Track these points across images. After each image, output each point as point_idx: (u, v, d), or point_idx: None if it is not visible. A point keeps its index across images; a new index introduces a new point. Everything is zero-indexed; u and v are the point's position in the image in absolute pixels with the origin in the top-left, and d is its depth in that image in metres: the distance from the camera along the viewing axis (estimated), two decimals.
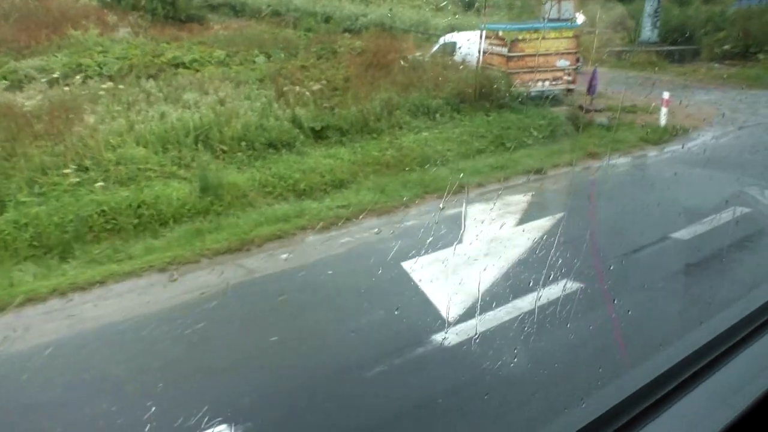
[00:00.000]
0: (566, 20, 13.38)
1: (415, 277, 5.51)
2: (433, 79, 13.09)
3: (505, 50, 13.23)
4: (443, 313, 4.77)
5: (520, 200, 7.74)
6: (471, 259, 5.91)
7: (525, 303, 4.98)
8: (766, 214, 7.41)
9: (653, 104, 14.83)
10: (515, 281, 5.24)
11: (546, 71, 13.29)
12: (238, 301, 5.13)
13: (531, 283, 5.28)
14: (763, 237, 7.07)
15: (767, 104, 14.82)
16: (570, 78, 13.50)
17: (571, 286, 5.25)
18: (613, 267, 5.68)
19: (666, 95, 12.32)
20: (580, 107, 13.64)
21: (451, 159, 10.63)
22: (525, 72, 13.22)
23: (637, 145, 11.11)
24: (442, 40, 16.00)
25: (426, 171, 9.38)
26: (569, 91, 13.59)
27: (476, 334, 4.42)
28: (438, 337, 4.46)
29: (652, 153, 10.66)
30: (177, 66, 14.12)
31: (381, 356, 4.46)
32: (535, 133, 12.10)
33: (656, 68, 21.24)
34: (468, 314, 4.78)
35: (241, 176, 9.00)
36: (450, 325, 4.58)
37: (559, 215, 7.18)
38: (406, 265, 5.76)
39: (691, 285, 5.55)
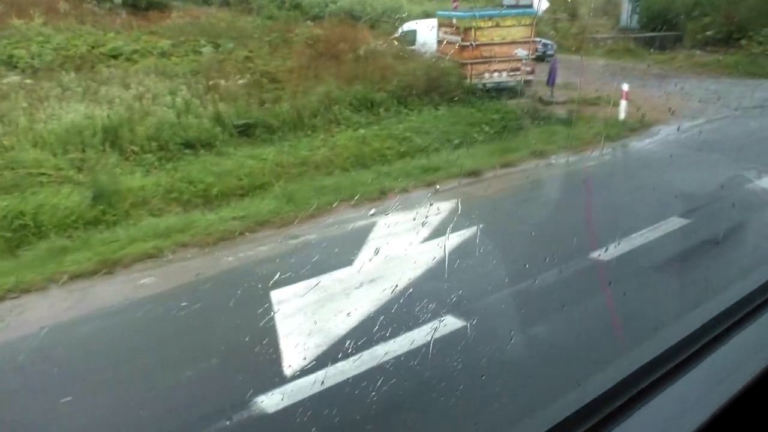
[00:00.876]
0: (524, 7, 12.39)
1: (280, 310, 4.66)
2: (383, 70, 12.15)
3: (458, 39, 12.27)
4: (285, 364, 3.93)
5: (440, 209, 6.85)
6: (354, 286, 5.06)
7: (391, 348, 4.14)
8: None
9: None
10: (391, 318, 4.40)
11: (503, 61, 12.33)
12: (37, 353, 4.23)
13: (410, 321, 4.44)
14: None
15: (740, 94, 13.85)
16: (529, 69, 12.54)
17: (454, 322, 4.41)
18: (503, 304, 4.83)
19: (626, 87, 11.37)
20: (541, 99, 12.71)
21: (389, 158, 9.74)
22: (480, 62, 12.26)
23: (591, 142, 10.19)
24: (402, 29, 15.01)
25: (353, 173, 8.51)
26: (528, 82, 12.63)
27: (309, 395, 3.58)
28: (264, 400, 3.62)
29: (604, 151, 9.75)
30: (115, 57, 13.20)
31: None
32: (487, 129, 11.19)
33: (634, 56, 20.25)
34: (317, 364, 3.94)
35: (146, 181, 8.13)
36: (283, 381, 3.74)
37: (473, 229, 6.31)
38: (277, 294, 4.91)
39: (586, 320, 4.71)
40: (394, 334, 4.28)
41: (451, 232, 6.22)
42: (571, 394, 1.37)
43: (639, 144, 10.16)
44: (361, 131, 10.21)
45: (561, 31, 22.70)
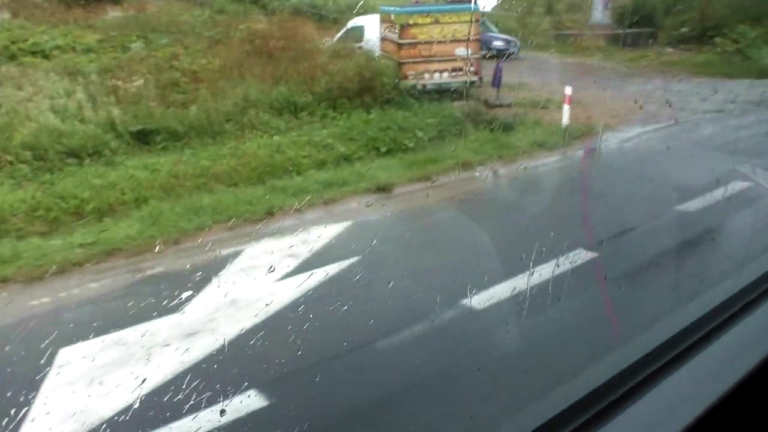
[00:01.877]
0: (464, 2, 11.38)
1: (52, 379, 3.74)
2: (315, 70, 11.17)
3: (396, 36, 11.29)
4: None
5: (321, 235, 5.92)
6: (162, 343, 4.13)
7: None
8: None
9: (576, 96, 12.92)
10: (175, 402, 3.47)
11: (444, 61, 11.35)
12: None
13: (209, 394, 3.51)
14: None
15: (704, 97, 12.90)
16: (473, 68, 11.55)
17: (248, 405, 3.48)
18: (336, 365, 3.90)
19: (569, 91, 10.40)
20: (486, 102, 11.75)
21: (304, 168, 8.78)
22: (419, 62, 11.28)
23: (527, 152, 9.24)
24: (349, 25, 14.00)
25: (244, 188, 7.55)
26: (472, 83, 11.65)
27: None
28: None
29: (537, 163, 8.79)
30: (34, 54, 12.20)
31: None
32: (420, 134, 10.22)
33: (603, 53, 19.26)
34: None
35: (12, 196, 7.17)
36: None
37: (353, 260, 5.39)
38: (66, 354, 3.98)
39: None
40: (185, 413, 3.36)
41: (318, 267, 5.29)
42: (568, 385, 1.38)
43: (575, 155, 9.22)
44: (276, 138, 9.24)
45: (530, 26, 21.74)
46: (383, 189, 7.53)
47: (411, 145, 9.99)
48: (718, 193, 6.59)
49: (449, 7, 11.19)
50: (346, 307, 4.41)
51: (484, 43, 17.71)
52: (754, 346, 1.46)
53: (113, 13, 17.35)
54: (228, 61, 11.80)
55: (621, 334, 3.88)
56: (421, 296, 4.82)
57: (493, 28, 18.79)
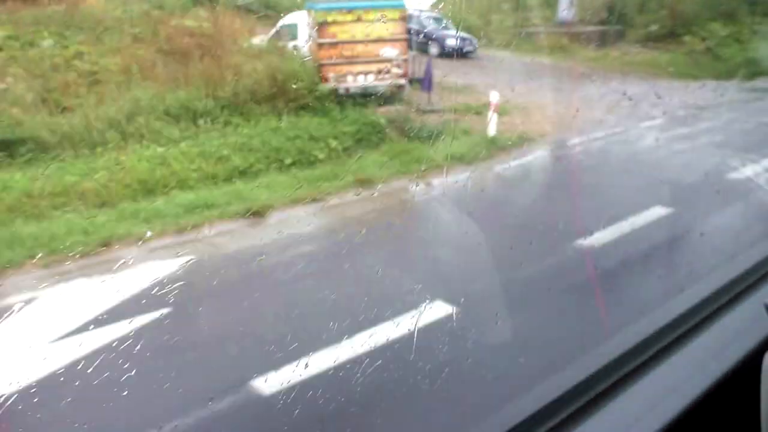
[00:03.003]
0: None
1: None
2: (225, 71, 10.04)
3: (316, 35, 10.17)
4: None
5: (148, 276, 4.85)
6: None
7: None
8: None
9: (519, 101, 11.83)
10: None
11: (369, 62, 10.23)
12: None
13: None
14: None
15: (655, 102, 11.83)
16: (400, 70, 10.44)
17: None
18: None
19: (495, 97, 9.30)
20: (418, 108, 10.65)
21: (191, 184, 7.69)
22: (341, 63, 10.16)
23: (439, 166, 8.11)
24: (281, 22, 12.84)
25: (95, 212, 6.45)
26: (400, 87, 10.54)
27: None
28: None
29: (448, 180, 7.70)
30: None
31: None
32: (334, 144, 9.13)
33: (565, 53, 18.14)
34: None
35: None
36: None
37: (164, 311, 4.32)
38: None
39: None
40: None
41: (117, 321, 4.22)
42: (558, 377, 1.36)
43: (496, 169, 8.14)
44: (160, 150, 8.13)
45: (494, 24, 20.59)
46: (256, 213, 6.44)
47: (321, 156, 8.91)
48: (627, 225, 5.54)
49: (373, 3, 10.06)
50: (126, 382, 3.33)
51: (438, 41, 16.64)
52: (742, 337, 1.47)
53: (54, 7, 16.14)
54: (137, 61, 10.67)
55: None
56: (215, 373, 3.76)
57: (449, 25, 17.67)
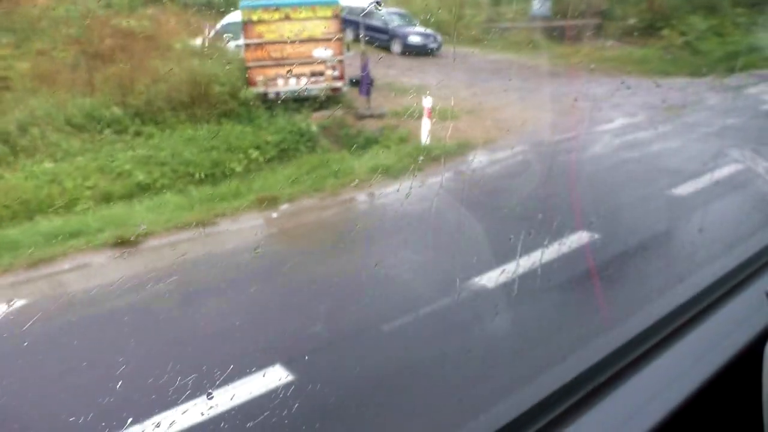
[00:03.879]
0: None
1: None
2: (143, 74, 9.17)
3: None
4: None
5: None
6: None
7: None
8: None
9: (472, 103, 10.94)
10: None
11: (300, 64, 9.35)
12: None
13: None
14: None
15: (618, 103, 10.92)
16: (336, 72, 9.54)
17: None
18: None
19: (428, 103, 8.40)
20: (357, 113, 9.77)
21: (82, 204, 6.85)
22: (270, 65, 9.27)
23: (362, 181, 7.25)
24: (224, 21, 11.94)
25: None
26: (336, 90, 9.64)
27: None
28: None
29: (359, 199, 6.84)
30: None
31: None
32: (255, 155, 8.26)
33: (536, 49, 17.18)
34: None
35: None
36: None
37: None
38: None
39: None
40: None
41: None
42: (558, 367, 1.34)
43: (416, 185, 7.24)
44: (49, 166, 7.27)
45: (466, 19, 19.63)
46: (128, 242, 5.58)
47: (239, 169, 8.04)
48: (527, 261, 4.67)
49: (302, 0, 9.14)
50: None
51: (400, 38, 15.73)
52: (741, 327, 1.44)
53: None
54: (54, 66, 9.80)
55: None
56: None
57: (413, 21, 16.75)
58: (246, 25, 9.06)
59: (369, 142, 9.00)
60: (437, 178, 7.29)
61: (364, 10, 17.25)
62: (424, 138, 8.17)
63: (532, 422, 1.20)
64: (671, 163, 6.97)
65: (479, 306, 4.26)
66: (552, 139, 8.76)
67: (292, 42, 9.11)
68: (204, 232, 5.83)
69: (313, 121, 9.31)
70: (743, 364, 1.33)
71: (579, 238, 5.09)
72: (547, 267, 4.47)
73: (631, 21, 19.14)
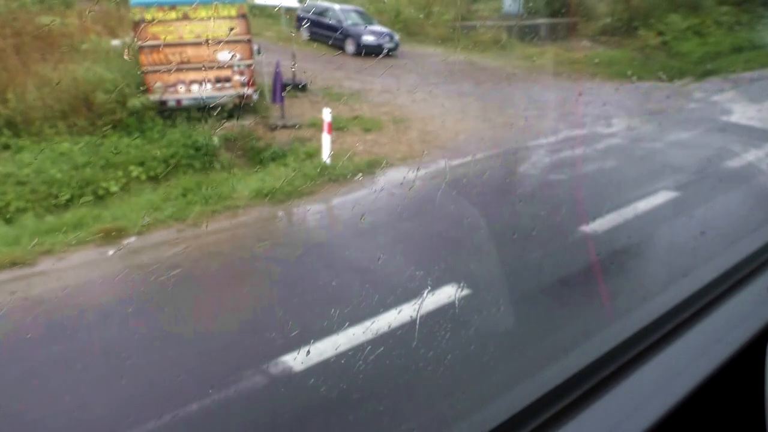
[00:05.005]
0: None
1: None
2: (24, 80, 8.13)
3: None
4: None
5: None
6: None
7: None
8: None
9: (406, 111, 9.86)
10: None
11: (203, 69, 8.28)
12: None
13: None
14: None
15: (568, 112, 9.80)
16: (244, 78, 8.47)
17: None
18: None
19: (328, 116, 7.32)
20: (269, 123, 8.71)
21: None
22: (170, 70, 8.21)
23: (238, 207, 6.22)
24: None
25: None
26: (245, 97, 8.58)
27: None
28: None
29: (217, 233, 5.77)
30: None
31: None
32: (136, 172, 7.22)
33: (502, 49, 16.02)
34: None
35: None
36: None
37: None
38: None
39: None
40: None
41: None
42: (560, 362, 1.34)
43: (300, 212, 6.17)
44: None
45: (434, 17, 18.50)
46: None
47: (115, 188, 7.01)
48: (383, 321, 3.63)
49: None
50: None
51: (353, 38, 14.64)
52: (744, 323, 1.43)
53: None
54: None
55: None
56: None
57: (371, 19, 15.64)
58: (138, 26, 8.01)
59: (276, 157, 7.96)
60: (320, 207, 6.25)
61: (319, 7, 16.16)
62: (325, 156, 7.10)
63: (536, 416, 1.18)
64: (597, 190, 5.88)
65: (264, 404, 3.22)
66: (477, 156, 7.68)
67: (193, 44, 8.05)
68: (11, 276, 4.80)
69: (218, 132, 8.28)
70: (746, 359, 1.31)
71: (437, 299, 4.04)
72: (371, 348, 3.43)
73: (609, 20, 17.92)
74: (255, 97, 8.59)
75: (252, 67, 8.48)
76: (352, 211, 6.16)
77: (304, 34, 15.32)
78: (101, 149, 7.51)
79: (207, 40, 7.99)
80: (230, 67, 8.30)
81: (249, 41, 8.33)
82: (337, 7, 15.35)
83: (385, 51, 14.82)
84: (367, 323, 3.56)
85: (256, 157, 8.06)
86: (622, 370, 1.27)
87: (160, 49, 8.08)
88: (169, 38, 8.06)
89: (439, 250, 4.83)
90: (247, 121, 8.62)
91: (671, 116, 9.34)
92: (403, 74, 12.70)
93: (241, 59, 8.31)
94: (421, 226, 5.37)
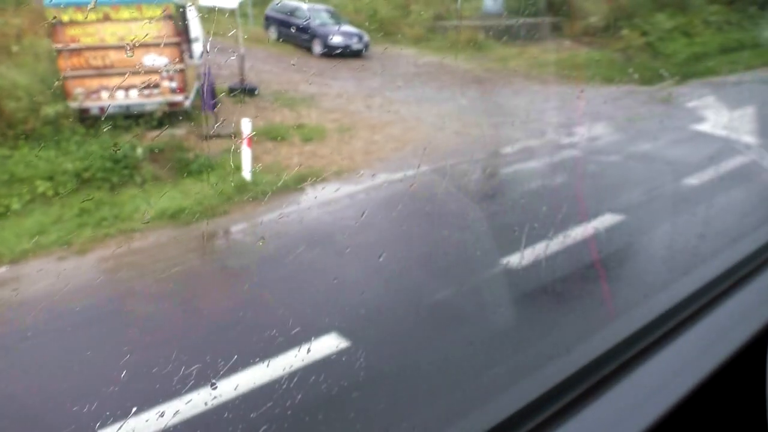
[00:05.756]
0: None
1: None
2: None
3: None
4: None
5: None
6: None
7: None
8: None
9: (358, 119, 9.19)
10: None
11: (129, 74, 7.62)
12: None
13: None
14: None
15: (529, 119, 9.08)
16: (174, 84, 7.81)
17: None
18: None
19: (247, 128, 6.64)
20: (202, 133, 8.06)
21: None
22: (91, 75, 7.56)
23: (135, 230, 5.57)
24: None
25: None
26: (175, 104, 7.91)
27: None
28: None
29: (99, 262, 5.10)
30: None
31: None
32: (42, 188, 6.59)
33: (477, 49, 15.28)
34: None
35: None
36: None
37: None
38: None
39: None
40: None
41: None
42: (562, 360, 1.33)
43: (199, 241, 5.50)
44: None
45: (413, 16, 17.78)
46: None
47: (17, 206, 6.37)
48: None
49: None
50: None
51: (320, 38, 13.97)
52: (745, 321, 1.42)
53: None
54: None
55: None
56: None
57: (341, 19, 14.94)
58: (55, 28, 7.35)
59: (203, 169, 7.30)
60: (224, 230, 5.58)
61: (289, 7, 15.48)
62: (245, 171, 6.43)
63: (537, 413, 1.16)
64: (534, 214, 5.18)
65: None
66: (420, 169, 7.01)
67: (116, 47, 7.38)
68: None
69: (145, 142, 7.64)
70: (747, 356, 1.29)
71: (289, 361, 3.37)
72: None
73: (593, 19, 17.19)
74: (187, 104, 7.93)
75: (184, 72, 7.82)
76: (254, 235, 5.50)
77: (272, 34, 14.66)
78: (8, 162, 6.87)
79: (131, 44, 7.32)
80: (158, 72, 7.64)
81: (178, 44, 7.66)
82: (305, 6, 14.68)
83: (354, 52, 14.15)
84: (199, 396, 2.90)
85: (183, 169, 7.41)
86: (623, 368, 1.26)
87: (81, 52, 7.42)
88: (90, 41, 7.40)
89: (330, 292, 4.17)
90: (179, 130, 7.96)
91: (639, 124, 8.63)
92: (367, 77, 12.01)
93: (170, 63, 7.64)
94: (322, 257, 4.71)
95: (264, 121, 8.58)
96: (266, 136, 7.99)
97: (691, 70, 14.01)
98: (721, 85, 11.50)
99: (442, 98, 10.60)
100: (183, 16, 8.03)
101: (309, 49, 14.23)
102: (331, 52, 13.87)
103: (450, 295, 4.15)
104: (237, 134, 7.96)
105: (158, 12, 7.45)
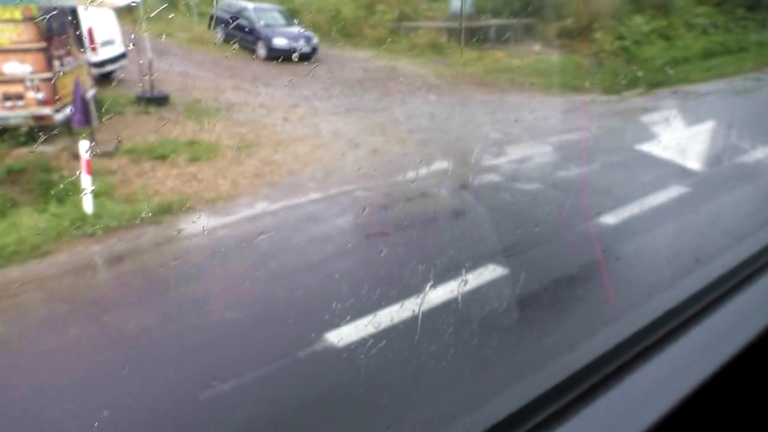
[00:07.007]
0: None
1: None
2: None
3: None
4: None
5: None
6: None
7: None
8: None
9: (264, 133, 8.17)
10: None
11: None
12: None
13: None
14: None
15: (465, 135, 8.01)
16: (41, 95, 6.81)
17: None
18: None
19: (84, 151, 5.63)
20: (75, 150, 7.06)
21: None
22: None
23: None
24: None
25: None
26: (43, 118, 6.91)
27: None
28: None
29: None
30: None
31: None
32: None
33: (438, 53, 14.19)
34: None
35: None
36: None
37: None
38: None
39: None
40: None
41: None
42: (565, 358, 1.30)
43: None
44: None
45: (376, 16, 16.72)
46: None
47: None
48: None
49: None
50: None
51: (264, 40, 12.96)
52: (749, 320, 1.40)
53: None
54: None
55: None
56: None
57: (291, 19, 13.90)
58: None
59: (67, 194, 6.32)
60: (40, 276, 4.58)
61: (237, 6, 14.45)
62: (85, 202, 5.42)
63: (538, 412, 1.14)
64: (396, 267, 4.16)
65: None
66: (308, 197, 5.98)
67: None
68: None
69: (8, 161, 6.66)
70: (750, 357, 1.27)
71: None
72: None
73: (567, 22, 16.04)
74: (59, 117, 6.93)
75: (53, 82, 6.82)
76: (73, 285, 4.49)
77: (219, 35, 13.65)
78: None
79: None
80: (22, 81, 6.65)
81: (43, 50, 6.66)
82: (251, 6, 13.66)
83: (301, 55, 13.09)
84: None
85: (46, 193, 6.42)
86: (626, 367, 1.22)
87: None
88: None
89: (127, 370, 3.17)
90: (51, 148, 6.97)
91: (582, 142, 7.56)
92: (304, 84, 10.97)
93: (34, 72, 6.65)
94: (143, 316, 3.70)
95: (157, 136, 7.57)
96: (149, 154, 6.98)
97: (659, 78, 12.88)
98: (688, 95, 10.40)
99: (377, 108, 9.57)
100: (61, 18, 7.05)
101: (254, 52, 13.22)
102: (275, 55, 12.82)
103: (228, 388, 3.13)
104: (112, 153, 6.97)
105: (17, 14, 6.46)
